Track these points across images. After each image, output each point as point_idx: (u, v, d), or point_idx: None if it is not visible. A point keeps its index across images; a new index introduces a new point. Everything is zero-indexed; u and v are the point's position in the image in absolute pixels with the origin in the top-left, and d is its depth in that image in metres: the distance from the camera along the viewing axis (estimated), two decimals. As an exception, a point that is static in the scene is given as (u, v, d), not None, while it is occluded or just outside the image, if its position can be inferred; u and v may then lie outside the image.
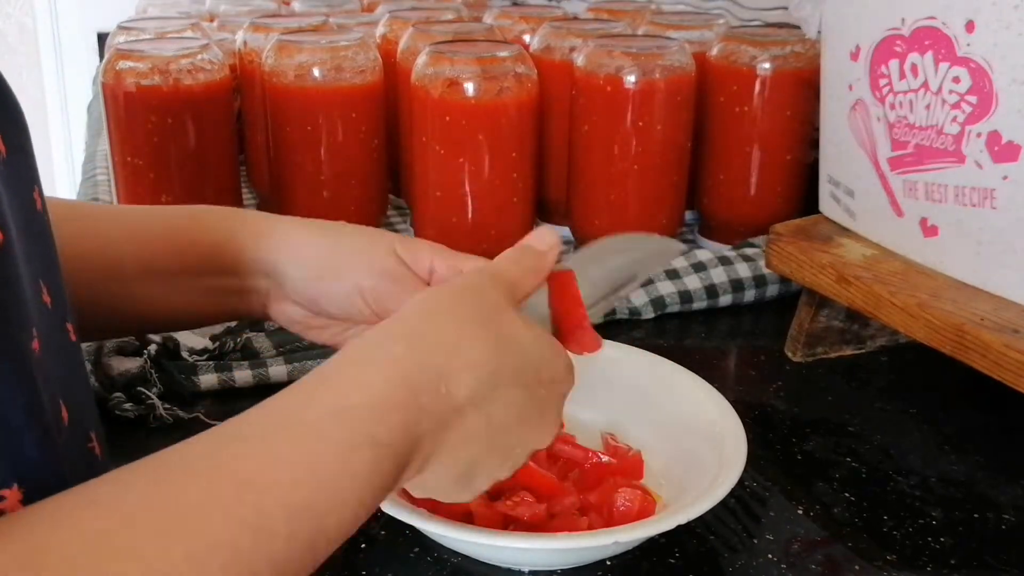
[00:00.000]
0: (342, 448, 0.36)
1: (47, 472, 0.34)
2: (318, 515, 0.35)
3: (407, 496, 0.52)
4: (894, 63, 0.66)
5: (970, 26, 0.59)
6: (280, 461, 0.35)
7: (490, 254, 0.55)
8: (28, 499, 0.32)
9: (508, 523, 0.54)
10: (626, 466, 0.58)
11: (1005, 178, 0.60)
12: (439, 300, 0.44)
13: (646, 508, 0.54)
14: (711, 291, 0.81)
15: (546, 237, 0.50)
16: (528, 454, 0.46)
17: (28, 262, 0.35)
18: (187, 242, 0.56)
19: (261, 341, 0.71)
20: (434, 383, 0.40)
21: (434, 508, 0.52)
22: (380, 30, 1.03)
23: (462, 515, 0.52)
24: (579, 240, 0.91)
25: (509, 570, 0.52)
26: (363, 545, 0.53)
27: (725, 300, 0.82)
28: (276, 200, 0.91)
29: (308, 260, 0.55)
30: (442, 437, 0.41)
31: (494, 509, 0.53)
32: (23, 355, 0.33)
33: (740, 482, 0.52)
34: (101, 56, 1.57)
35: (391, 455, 0.38)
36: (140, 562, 0.30)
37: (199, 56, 0.85)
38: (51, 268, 0.38)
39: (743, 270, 0.82)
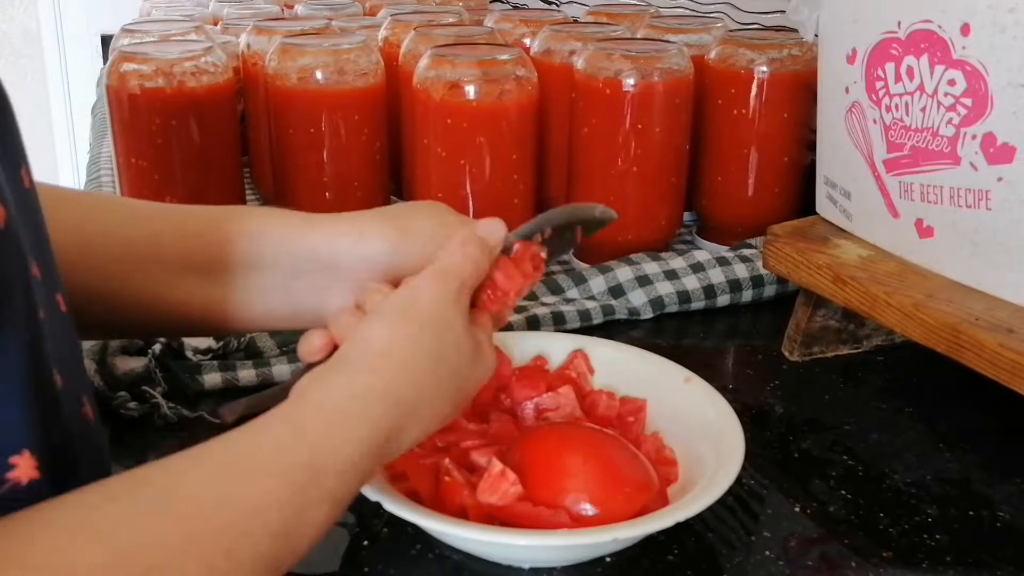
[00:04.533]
0: (309, 503, 0.40)
1: (53, 437, 0.35)
2: (278, 559, 0.38)
3: (407, 493, 0.53)
4: (890, 66, 0.67)
5: (965, 29, 0.60)
6: (255, 510, 0.38)
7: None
8: (42, 465, 0.34)
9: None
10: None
11: (1000, 180, 0.60)
12: (402, 340, 0.46)
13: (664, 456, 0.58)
14: (709, 291, 0.82)
15: (495, 230, 0.52)
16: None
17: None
18: (203, 235, 0.56)
19: (264, 340, 0.71)
20: (395, 445, 0.45)
21: (437, 507, 0.52)
22: (382, 33, 1.04)
23: (458, 512, 0.53)
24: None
25: (510, 567, 0.52)
26: (365, 542, 0.54)
27: (723, 300, 0.83)
28: (279, 202, 0.92)
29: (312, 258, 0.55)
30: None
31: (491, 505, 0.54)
32: (32, 325, 0.35)
33: (738, 480, 0.52)
34: (105, 59, 1.58)
35: (343, 507, 0.43)
36: None
37: (203, 59, 0.85)
38: (39, 243, 0.39)
39: (741, 271, 0.83)
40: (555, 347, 0.66)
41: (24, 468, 0.34)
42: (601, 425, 0.60)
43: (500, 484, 0.52)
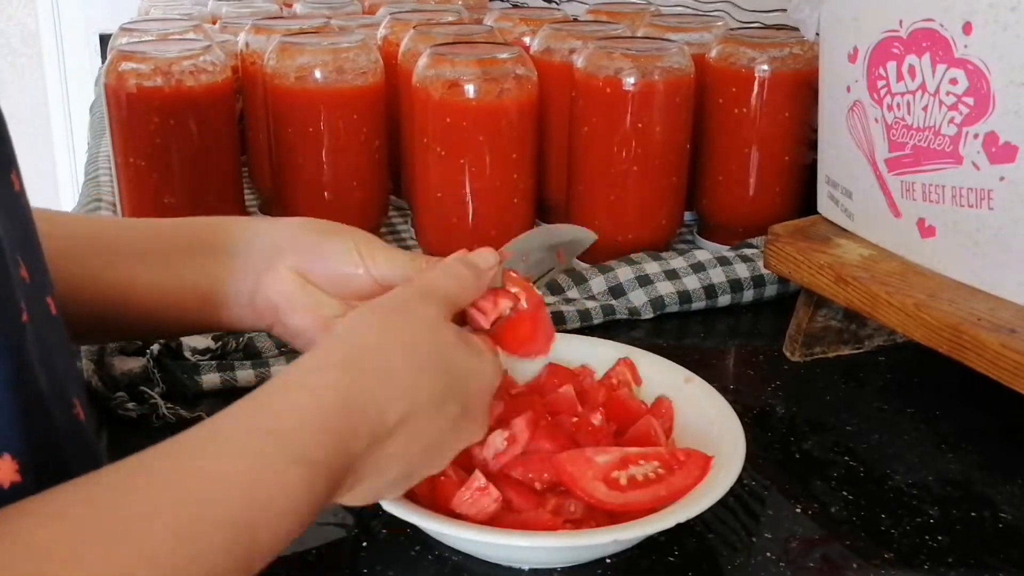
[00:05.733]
0: (277, 466, 0.39)
1: (38, 439, 0.35)
2: (253, 528, 0.37)
3: (406, 494, 0.52)
4: (892, 65, 0.66)
5: (967, 28, 0.60)
6: (218, 478, 0.37)
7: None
8: (23, 468, 0.34)
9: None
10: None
11: (1002, 179, 0.60)
12: (369, 325, 0.47)
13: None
14: (710, 291, 0.82)
15: (488, 257, 0.53)
16: (459, 451, 0.50)
17: (5, 238, 0.36)
18: (178, 227, 0.58)
19: (263, 340, 0.71)
20: (367, 407, 0.43)
21: (434, 506, 0.52)
22: (381, 32, 1.03)
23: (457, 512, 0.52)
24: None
25: (510, 568, 0.52)
26: (364, 543, 0.54)
27: (724, 300, 0.82)
28: (278, 201, 0.92)
29: (309, 225, 0.58)
30: (373, 456, 0.44)
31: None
32: (16, 327, 0.35)
33: (739, 481, 0.52)
34: (103, 57, 1.58)
35: (324, 473, 0.40)
36: (81, 570, 0.32)
37: (201, 58, 0.85)
38: (28, 245, 0.39)
39: (742, 270, 0.83)
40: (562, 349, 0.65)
41: (5, 472, 0.33)
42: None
43: (480, 499, 0.51)
